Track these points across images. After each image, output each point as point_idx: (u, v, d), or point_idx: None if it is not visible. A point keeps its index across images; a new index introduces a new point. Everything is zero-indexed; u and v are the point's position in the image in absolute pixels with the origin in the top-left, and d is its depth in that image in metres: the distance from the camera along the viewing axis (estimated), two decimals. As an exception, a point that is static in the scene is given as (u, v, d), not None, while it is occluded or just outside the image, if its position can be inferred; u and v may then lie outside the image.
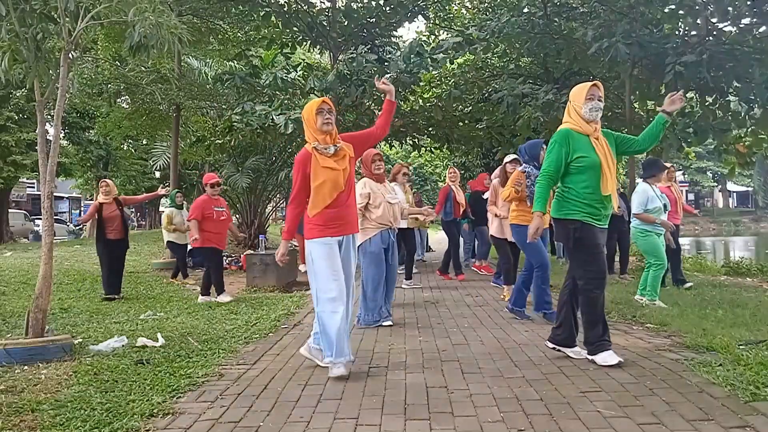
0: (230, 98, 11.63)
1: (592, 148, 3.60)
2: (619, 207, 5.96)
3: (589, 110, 3.61)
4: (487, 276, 9.33)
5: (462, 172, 18.52)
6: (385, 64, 10.20)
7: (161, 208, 39.78)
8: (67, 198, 38.79)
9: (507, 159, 6.30)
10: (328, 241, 3.57)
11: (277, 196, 15.88)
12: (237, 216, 14.58)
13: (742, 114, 10.02)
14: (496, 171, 6.82)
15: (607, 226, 3.70)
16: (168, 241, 9.71)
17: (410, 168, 7.83)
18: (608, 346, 3.62)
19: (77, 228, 26.77)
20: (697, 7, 8.98)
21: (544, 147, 5.17)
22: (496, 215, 6.41)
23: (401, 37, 15.78)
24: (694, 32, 9.81)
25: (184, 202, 10.09)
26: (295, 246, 8.85)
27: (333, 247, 3.57)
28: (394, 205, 5.26)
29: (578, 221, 3.63)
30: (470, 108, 13.10)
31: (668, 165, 7.16)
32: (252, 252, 9.23)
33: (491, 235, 6.74)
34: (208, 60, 14.95)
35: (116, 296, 7.19)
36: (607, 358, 3.56)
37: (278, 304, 6.51)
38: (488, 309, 6.07)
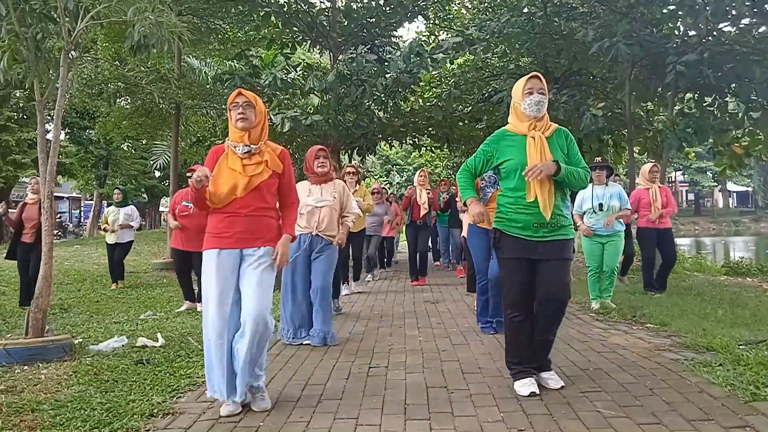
0: (230, 98, 11.62)
1: (523, 149, 3.16)
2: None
3: (527, 105, 3.17)
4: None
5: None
6: (385, 64, 10.20)
7: (161, 208, 39.81)
8: (67, 198, 38.82)
9: None
10: (215, 254, 2.98)
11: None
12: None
13: (740, 115, 10.03)
14: None
15: (546, 239, 3.13)
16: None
17: (360, 168, 7.45)
18: (523, 375, 3.20)
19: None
20: (697, 7, 8.98)
21: None
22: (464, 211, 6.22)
23: (401, 37, 15.80)
24: (693, 32, 9.82)
25: (131, 201, 9.54)
26: None
27: (222, 261, 2.96)
28: (320, 208, 4.63)
29: (498, 230, 3.25)
30: (470, 108, 13.11)
31: (650, 165, 6.95)
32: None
33: (462, 237, 6.38)
34: (208, 60, 14.95)
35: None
36: (520, 387, 3.15)
37: (277, 304, 6.50)
38: (488, 309, 6.06)
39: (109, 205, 10.20)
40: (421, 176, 8.84)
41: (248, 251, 3.00)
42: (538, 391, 3.09)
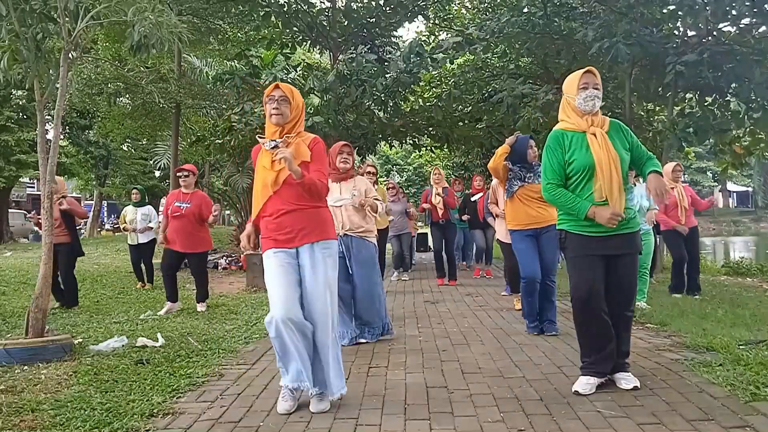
0: (230, 98, 11.63)
1: (586, 147, 3.10)
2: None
3: (583, 100, 3.12)
4: (487, 277, 9.33)
5: (461, 172, 18.56)
6: (385, 64, 10.20)
7: (161, 208, 39.85)
8: (67, 198, 38.74)
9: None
10: (272, 254, 2.95)
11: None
12: (235, 215, 14.59)
13: (742, 114, 10.03)
14: None
15: (615, 232, 3.09)
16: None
17: (375, 166, 7.32)
18: (586, 372, 3.20)
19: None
20: (697, 7, 8.98)
21: (532, 144, 4.86)
22: (497, 215, 5.92)
23: (401, 37, 15.77)
24: (693, 32, 9.82)
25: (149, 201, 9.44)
26: None
27: (279, 260, 2.93)
28: (339, 208, 4.47)
29: (563, 230, 3.23)
30: (470, 108, 13.09)
31: (673, 163, 6.76)
32: (252, 252, 9.19)
33: (497, 239, 6.24)
34: (208, 60, 14.96)
35: (73, 306, 6.44)
36: (578, 385, 3.15)
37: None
38: (488, 309, 6.07)
39: (110, 205, 10.15)
40: (436, 175, 8.65)
41: (304, 248, 2.95)
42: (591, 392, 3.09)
